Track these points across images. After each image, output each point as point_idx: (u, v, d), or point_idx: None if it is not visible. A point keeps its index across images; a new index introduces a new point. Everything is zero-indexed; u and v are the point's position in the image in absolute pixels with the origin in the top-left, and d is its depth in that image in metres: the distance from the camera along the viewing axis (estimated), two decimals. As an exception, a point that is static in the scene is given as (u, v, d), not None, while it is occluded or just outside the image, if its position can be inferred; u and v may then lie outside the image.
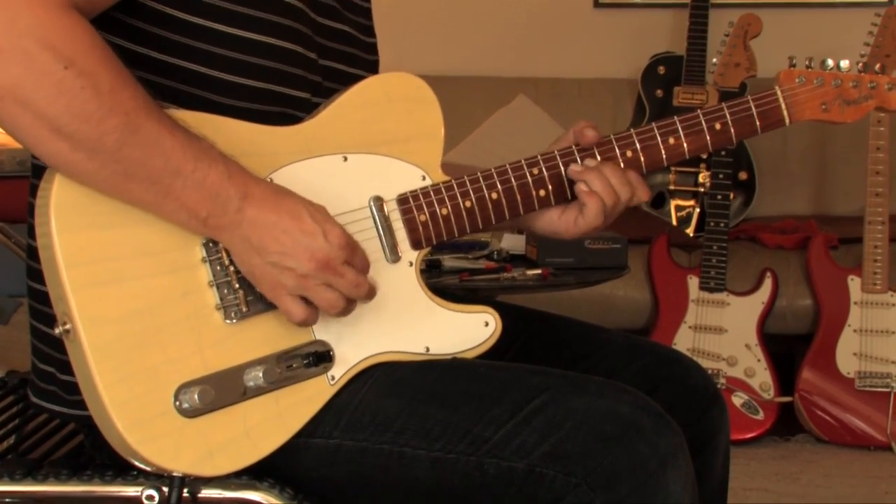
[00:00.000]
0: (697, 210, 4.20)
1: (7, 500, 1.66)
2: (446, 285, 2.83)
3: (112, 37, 1.48)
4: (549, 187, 1.65)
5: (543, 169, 1.64)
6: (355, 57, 1.74)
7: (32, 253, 1.51)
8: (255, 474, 1.52)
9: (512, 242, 3.21)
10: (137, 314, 1.43)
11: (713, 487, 1.77)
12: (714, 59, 3.85)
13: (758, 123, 1.68)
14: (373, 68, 1.79)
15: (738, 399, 3.72)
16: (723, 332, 3.78)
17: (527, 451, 1.45)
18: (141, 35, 1.52)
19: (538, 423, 1.46)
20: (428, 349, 1.61)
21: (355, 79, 1.67)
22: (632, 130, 1.66)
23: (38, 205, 1.42)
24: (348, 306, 1.47)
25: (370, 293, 1.49)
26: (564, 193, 1.65)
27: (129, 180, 1.38)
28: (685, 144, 1.67)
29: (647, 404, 1.50)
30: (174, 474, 1.47)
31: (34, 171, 1.53)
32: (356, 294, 1.47)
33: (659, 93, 4.40)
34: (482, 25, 4.79)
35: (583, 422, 1.46)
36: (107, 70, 1.35)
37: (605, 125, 4.61)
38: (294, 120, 1.58)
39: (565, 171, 1.64)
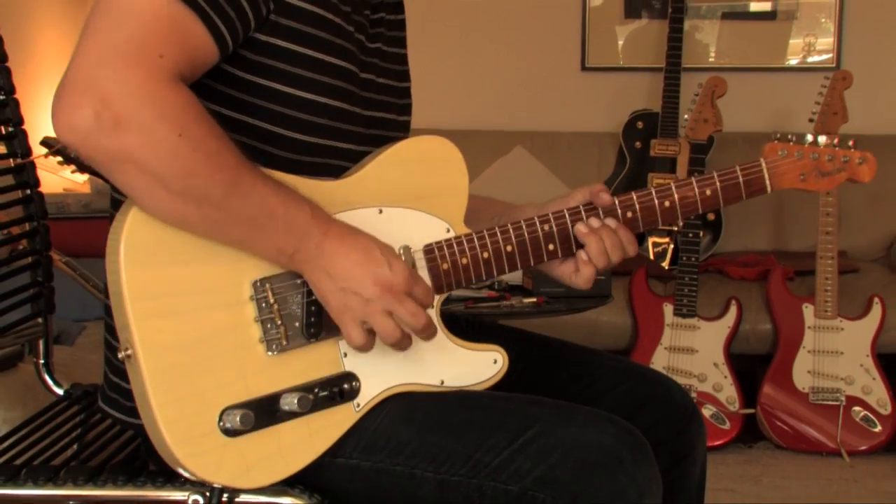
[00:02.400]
0: (672, 246, 4.19)
1: (71, 503, 1.66)
2: (453, 312, 2.80)
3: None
4: (558, 242, 1.63)
5: (553, 226, 1.63)
6: (392, 104, 1.72)
7: None
8: (287, 482, 1.51)
9: (511, 274, 3.18)
10: (191, 344, 1.42)
11: (692, 492, 1.76)
12: (685, 116, 3.85)
13: (743, 191, 1.66)
14: (406, 111, 1.77)
15: (707, 411, 3.71)
16: (694, 353, 3.77)
17: (521, 476, 1.44)
18: (214, 93, 1.51)
19: (531, 451, 1.45)
20: (443, 382, 1.60)
21: (392, 124, 1.69)
22: (632, 193, 1.64)
23: (110, 242, 1.41)
24: (404, 338, 1.46)
25: (427, 328, 1.47)
26: (571, 248, 1.64)
27: (229, 224, 1.40)
28: (678, 206, 1.65)
29: (629, 435, 1.49)
30: (214, 486, 1.47)
31: (113, 204, 1.54)
32: (413, 323, 1.45)
33: (638, 144, 4.39)
34: (485, 87, 4.80)
35: (570, 451, 1.44)
36: (212, 135, 1.36)
37: (590, 173, 4.62)
38: (339, 169, 1.58)
39: (572, 228, 1.63)
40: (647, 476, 1.45)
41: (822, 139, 1.69)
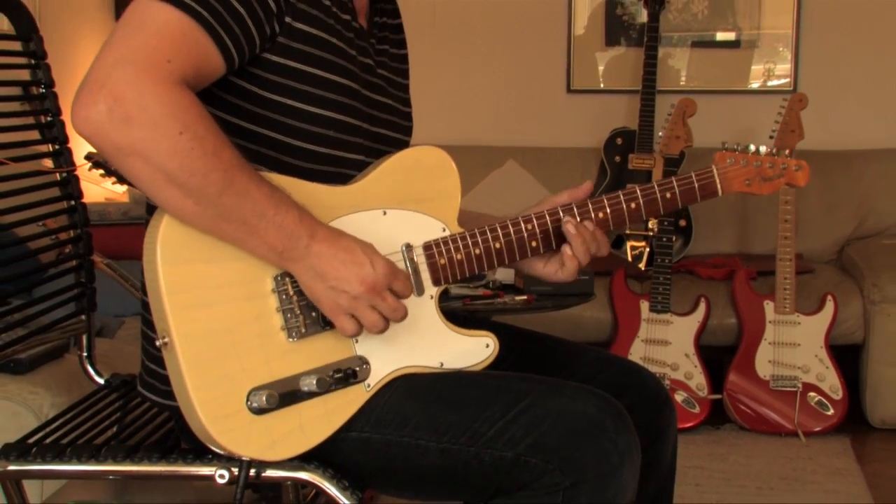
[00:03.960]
0: (647, 249, 4.19)
1: (111, 477, 1.68)
2: (452, 308, 2.81)
3: (209, 107, 1.49)
4: (540, 239, 1.65)
5: (536, 225, 1.65)
6: (396, 124, 1.74)
7: None
8: (303, 458, 1.52)
9: (504, 274, 3.21)
10: (221, 332, 1.44)
11: (664, 469, 1.77)
12: (660, 133, 3.84)
13: (698, 194, 1.69)
14: (408, 132, 1.79)
15: (679, 396, 3.71)
16: (668, 344, 3.77)
17: (514, 444, 1.45)
18: (232, 107, 1.52)
19: (524, 421, 1.46)
20: (442, 364, 1.61)
21: (396, 142, 1.70)
22: (603, 196, 1.67)
23: (147, 242, 1.42)
24: (385, 327, 1.48)
25: (404, 317, 1.50)
26: (551, 244, 1.66)
27: (224, 221, 1.39)
28: (643, 208, 1.68)
29: (612, 406, 1.50)
30: (243, 458, 1.48)
31: (148, 210, 1.54)
32: (394, 317, 1.48)
33: (617, 159, 4.39)
34: (480, 106, 4.80)
35: (559, 420, 1.45)
36: (211, 135, 1.36)
37: (575, 184, 4.56)
38: (348, 177, 1.59)
39: (552, 227, 1.65)
40: (628, 442, 1.47)
41: (762, 149, 1.72)
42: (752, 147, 1.72)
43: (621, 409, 1.50)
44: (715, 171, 1.70)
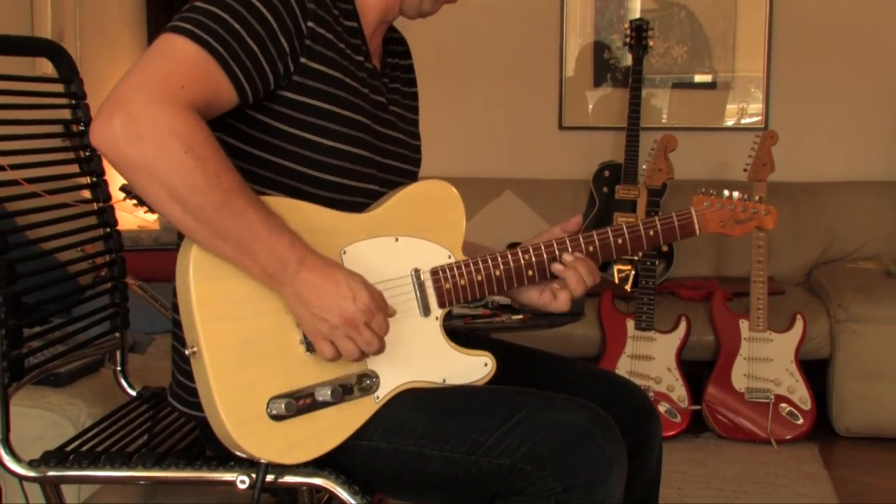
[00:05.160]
0: (633, 272, 4.18)
1: (141, 482, 1.67)
2: (454, 327, 2.81)
3: (225, 136, 1.50)
4: (535, 269, 1.65)
5: (532, 257, 1.65)
6: (406, 156, 1.73)
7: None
8: (318, 465, 1.51)
9: (501, 296, 3.19)
10: (245, 343, 1.44)
11: (650, 474, 1.76)
12: (644, 166, 3.85)
13: (678, 233, 1.71)
14: (417, 164, 1.78)
15: (662, 407, 3.69)
16: (651, 360, 3.75)
17: (511, 452, 1.45)
18: (246, 137, 1.52)
19: (519, 431, 1.45)
20: (444, 379, 1.61)
21: (405, 172, 1.70)
22: (594, 231, 1.68)
23: (180, 259, 1.43)
24: (361, 356, 1.47)
25: (379, 351, 1.47)
26: (545, 274, 1.66)
27: (220, 239, 1.38)
28: (629, 243, 1.69)
29: (600, 417, 1.49)
30: (262, 462, 1.47)
31: (179, 236, 1.53)
32: (368, 350, 1.46)
33: (605, 189, 4.39)
34: (480, 142, 4.81)
35: (552, 430, 1.45)
36: (215, 158, 1.35)
37: (567, 213, 4.61)
38: (362, 205, 1.59)
39: (546, 258, 1.65)
40: (615, 450, 1.46)
41: (735, 194, 1.74)
42: (727, 192, 1.74)
43: (609, 420, 1.49)
44: (693, 213, 1.72)
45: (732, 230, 1.75)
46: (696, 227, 1.72)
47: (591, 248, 1.67)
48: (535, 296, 1.71)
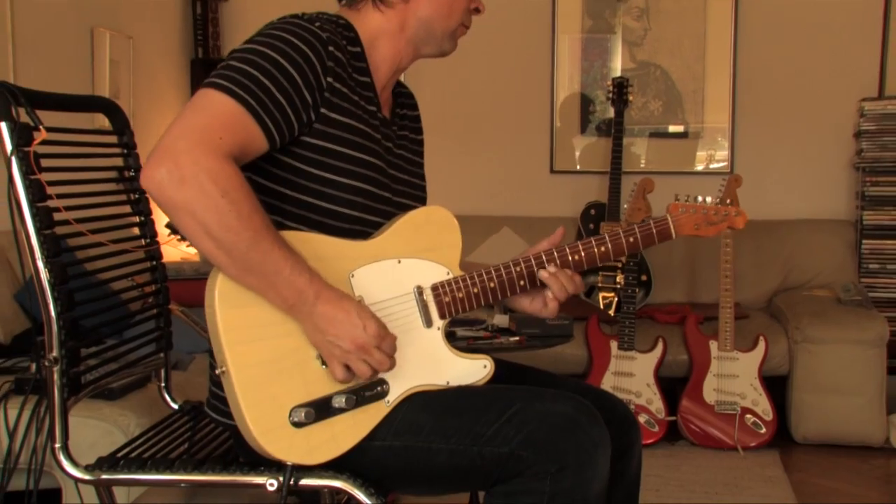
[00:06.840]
0: (616, 299, 4.18)
1: (182, 485, 1.70)
2: (459, 348, 2.80)
3: (254, 175, 1.51)
4: (526, 279, 1.65)
5: (523, 268, 1.65)
6: (413, 194, 1.74)
7: None
8: (337, 469, 1.51)
9: (500, 320, 3.23)
10: (267, 362, 1.43)
11: (632, 478, 1.75)
12: (625, 205, 3.86)
13: (656, 238, 1.69)
14: (423, 201, 1.78)
15: (642, 418, 3.67)
16: (633, 376, 3.74)
17: (509, 441, 1.45)
18: (273, 176, 1.53)
19: (515, 422, 1.46)
20: (448, 382, 1.60)
21: (412, 208, 1.69)
22: (578, 242, 1.68)
23: (208, 289, 1.43)
24: (374, 375, 1.48)
25: (390, 368, 1.49)
26: (535, 282, 1.66)
27: (248, 273, 1.39)
28: (611, 251, 1.68)
29: (585, 406, 1.50)
30: (287, 464, 1.47)
31: None
32: (381, 368, 1.47)
33: (591, 226, 4.40)
34: (480, 183, 4.82)
35: (543, 419, 1.46)
36: (247, 202, 1.36)
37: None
38: (369, 235, 1.59)
39: (536, 268, 1.65)
40: (600, 433, 1.46)
41: (709, 199, 1.74)
42: (700, 198, 1.74)
43: (592, 409, 1.50)
44: (669, 218, 1.71)
45: (706, 231, 1.73)
46: (673, 231, 1.71)
47: (576, 257, 1.66)
48: (526, 303, 1.71)
